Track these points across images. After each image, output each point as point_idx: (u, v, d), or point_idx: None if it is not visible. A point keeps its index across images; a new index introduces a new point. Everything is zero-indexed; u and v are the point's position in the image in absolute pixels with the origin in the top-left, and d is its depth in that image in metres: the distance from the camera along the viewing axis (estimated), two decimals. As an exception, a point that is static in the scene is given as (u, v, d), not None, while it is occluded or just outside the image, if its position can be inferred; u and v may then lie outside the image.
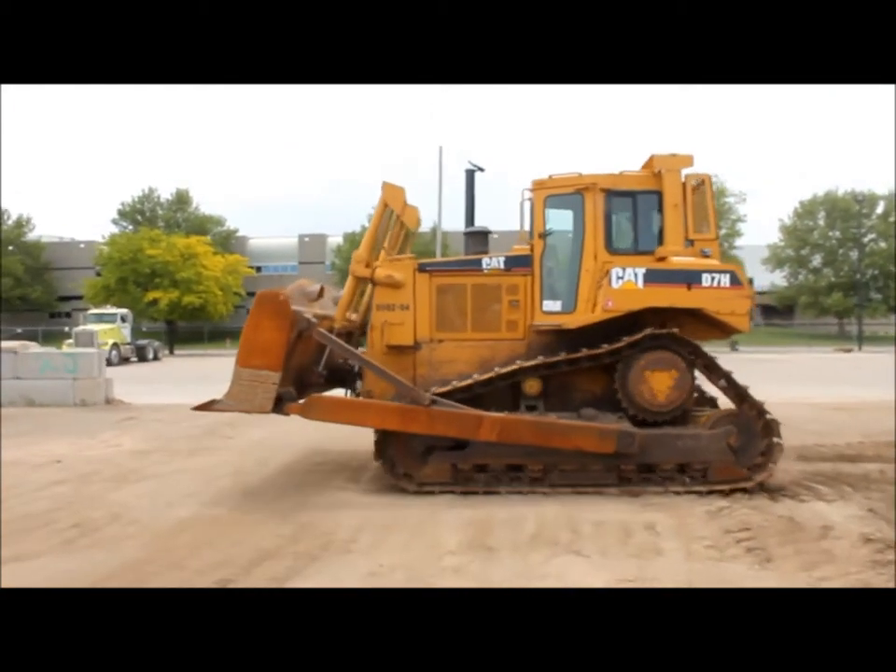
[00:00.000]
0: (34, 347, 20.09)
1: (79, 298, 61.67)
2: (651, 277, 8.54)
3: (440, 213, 41.38)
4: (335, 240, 67.55)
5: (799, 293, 64.80)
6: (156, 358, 42.69)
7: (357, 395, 9.53)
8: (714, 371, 8.90)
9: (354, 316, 9.70)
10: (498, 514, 7.67)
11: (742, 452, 8.69)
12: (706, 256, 8.75)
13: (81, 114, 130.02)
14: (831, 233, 64.62)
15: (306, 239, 72.48)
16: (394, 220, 9.72)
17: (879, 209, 62.58)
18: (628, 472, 8.65)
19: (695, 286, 8.49)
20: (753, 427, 8.77)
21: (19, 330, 51.61)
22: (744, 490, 8.53)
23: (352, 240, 57.60)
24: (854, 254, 62.90)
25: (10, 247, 66.38)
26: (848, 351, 48.27)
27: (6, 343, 19.65)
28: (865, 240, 62.22)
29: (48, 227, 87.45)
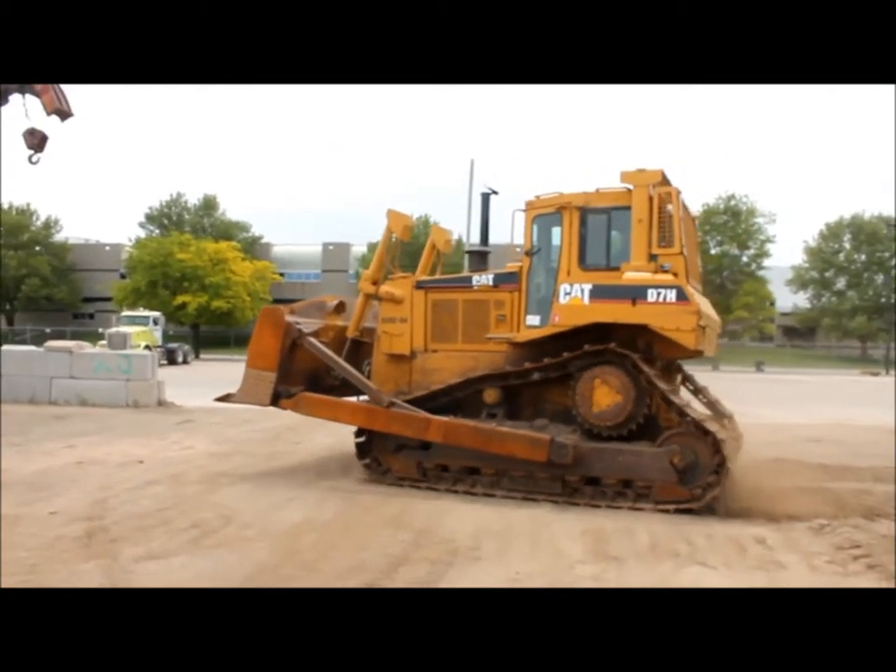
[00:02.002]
0: (88, 347, 20.30)
1: (104, 300, 62.23)
2: (597, 293, 8.71)
3: (468, 227, 41.39)
4: (359, 249, 67.75)
5: (822, 315, 64.67)
6: (185, 362, 42.95)
7: None
8: (654, 387, 8.71)
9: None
10: (607, 525, 7.81)
11: (688, 472, 8.42)
12: (665, 271, 8.58)
13: (109, 119, 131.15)
14: (856, 256, 64.54)
15: (330, 247, 72.78)
16: (397, 243, 10.65)
17: (906, 233, 62.46)
18: (574, 483, 8.80)
19: (640, 301, 8.48)
20: (698, 446, 8.45)
21: (47, 330, 52.03)
22: (689, 511, 8.32)
23: (375, 249, 57.62)
24: (880, 278, 62.81)
25: (38, 248, 66.94)
26: (875, 374, 48.11)
27: (61, 343, 19.88)
28: (893, 263, 62.05)
29: (74, 229, 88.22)
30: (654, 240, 8.66)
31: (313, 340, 9.81)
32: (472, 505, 8.70)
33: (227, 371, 34.91)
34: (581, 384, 8.79)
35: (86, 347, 20.15)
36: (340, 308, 10.99)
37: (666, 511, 8.31)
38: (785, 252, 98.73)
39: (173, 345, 42.99)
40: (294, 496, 8.99)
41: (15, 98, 14.73)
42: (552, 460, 8.55)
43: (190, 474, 10.24)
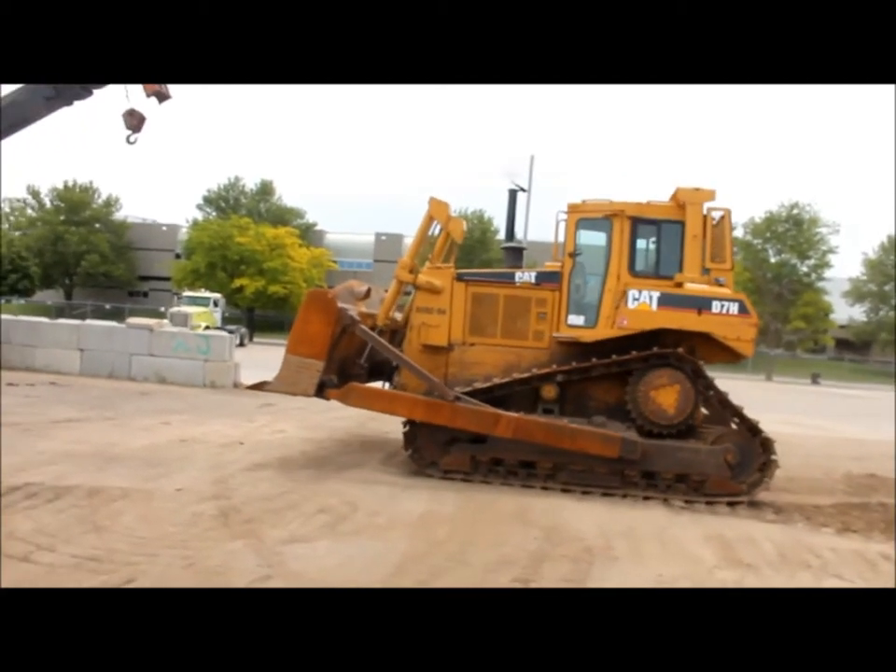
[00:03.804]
0: (167, 326, 20.66)
1: (158, 279, 63.20)
2: (664, 301, 9.21)
3: (526, 223, 41.45)
4: (411, 240, 67.71)
5: (879, 329, 63.38)
6: (242, 344, 43.39)
7: (394, 387, 10.33)
8: (713, 390, 9.46)
9: (398, 316, 10.75)
10: (725, 531, 7.91)
11: (739, 468, 9.24)
12: (720, 284, 9.31)
13: (170, 102, 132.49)
14: (919, 270, 63.07)
15: (383, 237, 72.91)
16: (439, 232, 10.75)
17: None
18: (632, 477, 9.28)
19: (705, 311, 9.10)
20: (750, 445, 9.30)
21: (107, 306, 53.00)
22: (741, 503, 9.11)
23: (428, 242, 57.77)
24: (942, 293, 61.34)
25: (98, 225, 68.02)
26: (935, 393, 47.08)
27: (142, 320, 20.26)
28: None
29: (132, 208, 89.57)
30: (707, 255, 9.35)
31: (365, 328, 9.62)
32: (582, 503, 8.81)
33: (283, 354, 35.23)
34: (643, 384, 9.24)
35: (165, 325, 20.51)
36: (367, 295, 10.94)
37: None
38: (842, 264, 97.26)
39: (231, 327, 43.45)
40: (405, 486, 9.12)
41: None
42: (622, 456, 9.00)
43: (296, 459, 10.41)
